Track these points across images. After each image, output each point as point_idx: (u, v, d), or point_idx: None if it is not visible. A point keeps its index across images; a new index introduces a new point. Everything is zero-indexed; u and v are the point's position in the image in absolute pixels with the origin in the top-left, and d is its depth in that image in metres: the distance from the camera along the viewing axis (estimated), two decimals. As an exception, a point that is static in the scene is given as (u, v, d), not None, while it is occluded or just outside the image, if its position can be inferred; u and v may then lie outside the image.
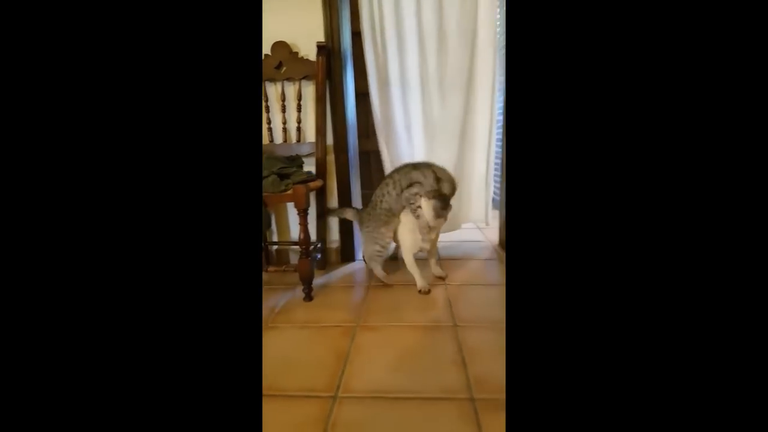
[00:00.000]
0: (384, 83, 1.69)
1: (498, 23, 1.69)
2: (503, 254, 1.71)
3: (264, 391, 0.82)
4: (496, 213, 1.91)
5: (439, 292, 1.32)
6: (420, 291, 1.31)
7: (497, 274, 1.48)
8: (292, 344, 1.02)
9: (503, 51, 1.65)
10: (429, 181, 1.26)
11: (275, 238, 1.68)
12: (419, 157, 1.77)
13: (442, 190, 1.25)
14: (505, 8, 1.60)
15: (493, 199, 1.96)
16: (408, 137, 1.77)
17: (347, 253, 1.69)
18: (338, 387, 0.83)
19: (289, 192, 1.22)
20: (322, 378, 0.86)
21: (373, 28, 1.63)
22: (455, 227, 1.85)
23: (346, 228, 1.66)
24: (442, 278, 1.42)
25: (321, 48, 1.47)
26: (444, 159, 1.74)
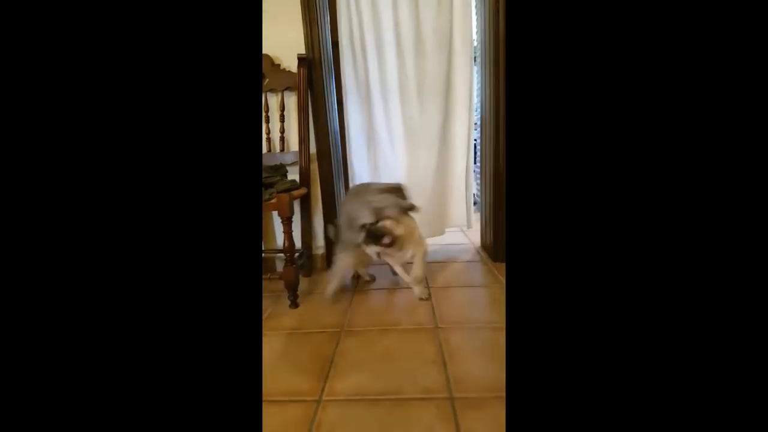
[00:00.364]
0: (365, 91, 1.73)
1: (475, 31, 1.75)
2: (485, 255, 1.76)
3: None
4: (478, 215, 1.97)
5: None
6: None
7: (479, 276, 1.53)
8: (278, 351, 1.04)
9: (479, 58, 1.71)
10: (365, 215, 1.21)
11: (261, 246, 1.70)
12: (401, 162, 1.81)
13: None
14: (480, 16, 1.66)
15: (474, 202, 2.01)
16: (390, 143, 1.81)
17: (332, 260, 1.71)
18: (323, 390, 0.86)
19: (273, 201, 1.24)
20: (307, 382, 0.89)
21: (351, 39, 1.67)
22: (440, 232, 1.90)
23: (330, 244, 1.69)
24: (423, 299, 1.32)
25: (302, 60, 1.50)
26: (425, 163, 1.80)
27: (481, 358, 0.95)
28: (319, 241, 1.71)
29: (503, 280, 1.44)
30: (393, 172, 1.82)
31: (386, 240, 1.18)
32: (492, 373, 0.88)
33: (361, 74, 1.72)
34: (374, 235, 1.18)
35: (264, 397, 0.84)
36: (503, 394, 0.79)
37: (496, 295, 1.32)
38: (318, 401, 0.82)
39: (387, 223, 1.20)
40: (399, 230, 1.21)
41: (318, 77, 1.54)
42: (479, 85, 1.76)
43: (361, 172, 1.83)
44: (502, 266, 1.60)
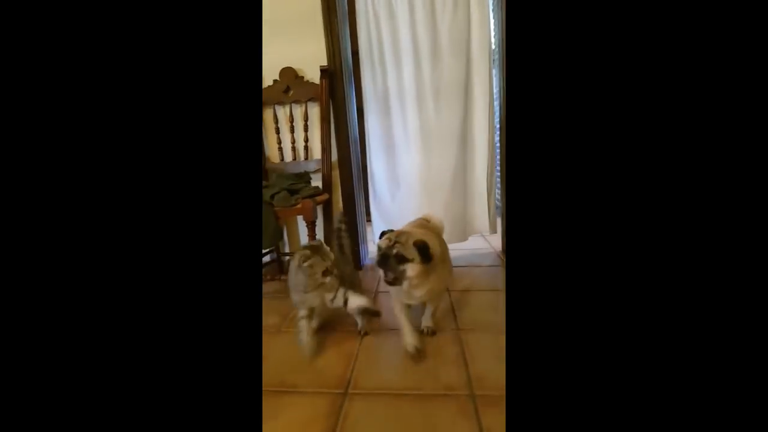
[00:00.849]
0: (383, 98, 1.78)
1: (493, 33, 1.77)
2: (505, 260, 1.76)
3: (279, 387, 0.89)
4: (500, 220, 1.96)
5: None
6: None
7: (499, 280, 1.53)
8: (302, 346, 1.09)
9: (498, 61, 1.73)
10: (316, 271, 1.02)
11: (287, 249, 1.77)
12: (419, 167, 1.83)
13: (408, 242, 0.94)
14: (497, 19, 1.69)
15: (497, 206, 2.01)
16: (407, 148, 1.84)
17: (354, 260, 1.76)
18: (348, 384, 0.90)
19: (298, 206, 1.31)
20: (333, 377, 0.93)
21: (370, 48, 1.73)
22: (462, 238, 1.89)
23: (353, 237, 1.74)
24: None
25: (324, 71, 1.58)
26: (443, 168, 1.82)
27: (499, 358, 0.96)
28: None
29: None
30: (410, 177, 1.85)
31: (388, 276, 0.95)
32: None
33: (380, 82, 1.77)
34: (383, 260, 0.95)
35: (291, 389, 0.89)
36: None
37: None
38: (344, 394, 0.86)
39: (406, 253, 0.92)
40: (412, 272, 0.93)
41: (339, 87, 1.61)
42: (498, 88, 1.78)
43: (380, 177, 1.87)
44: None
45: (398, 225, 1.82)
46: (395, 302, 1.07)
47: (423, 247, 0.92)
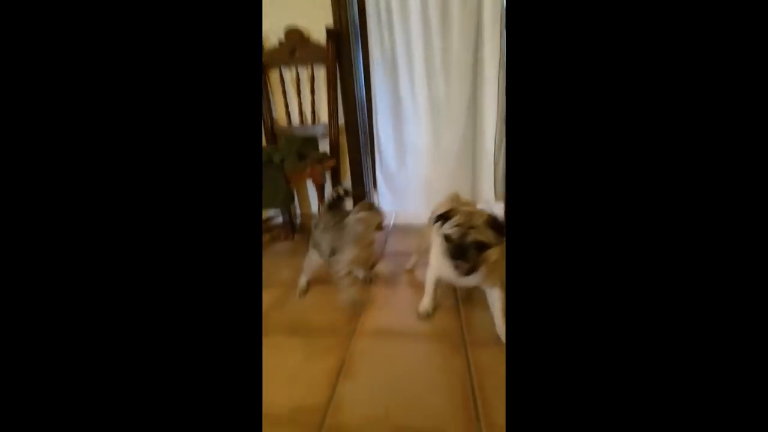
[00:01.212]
0: (391, 63, 1.78)
1: (505, 0, 1.73)
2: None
3: (294, 326, 1.03)
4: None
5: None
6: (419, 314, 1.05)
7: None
8: (315, 296, 1.22)
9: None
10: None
11: (298, 211, 1.87)
12: (427, 136, 1.86)
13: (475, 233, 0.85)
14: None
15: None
16: (416, 116, 1.86)
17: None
18: (354, 328, 1.03)
19: (307, 170, 1.38)
20: (342, 318, 1.06)
21: (378, 10, 1.71)
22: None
23: (358, 197, 1.83)
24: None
25: (330, 33, 1.57)
26: (451, 137, 1.85)
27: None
28: (348, 205, 1.86)
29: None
30: (418, 146, 1.89)
31: (462, 266, 0.84)
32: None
33: (387, 46, 1.76)
34: (457, 251, 0.84)
35: (303, 331, 1.02)
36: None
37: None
38: (353, 331, 0.99)
39: (485, 238, 0.82)
40: (495, 256, 0.84)
41: (345, 50, 1.61)
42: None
43: (387, 144, 1.91)
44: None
45: (404, 193, 1.88)
46: (433, 275, 1.01)
47: (499, 225, 0.82)
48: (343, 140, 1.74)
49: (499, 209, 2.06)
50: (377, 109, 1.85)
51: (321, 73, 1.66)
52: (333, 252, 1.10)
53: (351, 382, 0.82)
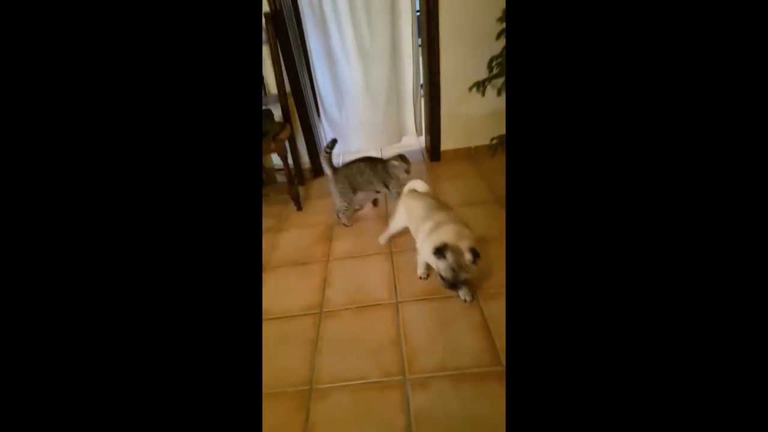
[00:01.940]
0: (320, 16, 2.02)
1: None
2: (426, 156, 2.40)
3: (289, 261, 1.63)
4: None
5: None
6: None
7: (423, 174, 2.21)
8: (297, 238, 1.81)
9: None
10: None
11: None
12: (357, 79, 2.20)
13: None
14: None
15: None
16: (347, 61, 2.18)
17: (317, 170, 2.34)
18: (328, 257, 1.65)
19: (272, 146, 1.79)
20: (318, 251, 1.68)
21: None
22: (397, 140, 2.45)
23: (313, 152, 2.26)
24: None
25: (267, 16, 1.78)
26: (378, 79, 2.21)
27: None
28: (305, 158, 2.30)
29: (434, 174, 2.14)
30: (351, 88, 2.25)
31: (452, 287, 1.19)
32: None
33: (317, 6, 1.98)
34: (450, 285, 1.18)
35: (295, 263, 1.63)
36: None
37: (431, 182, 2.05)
38: (327, 260, 1.63)
39: (471, 273, 1.16)
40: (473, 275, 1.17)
41: (283, 29, 1.83)
42: (419, 8, 2.05)
43: (326, 89, 2.27)
44: (437, 164, 2.27)
45: (346, 133, 2.33)
46: (423, 261, 1.37)
47: (477, 253, 1.12)
48: (291, 103, 2.07)
49: (420, 142, 2.58)
50: (314, 63, 2.15)
51: (266, 52, 1.89)
52: (354, 189, 1.74)
53: (331, 289, 1.47)
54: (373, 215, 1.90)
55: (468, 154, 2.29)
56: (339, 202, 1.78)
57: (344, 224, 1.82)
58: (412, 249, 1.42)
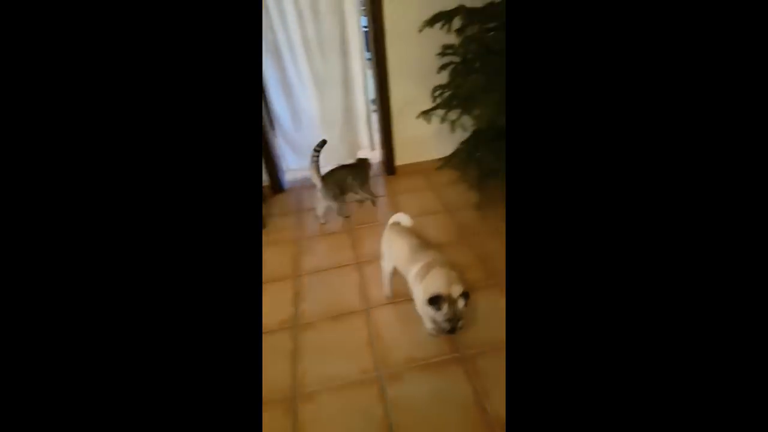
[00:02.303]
0: (274, 50, 2.14)
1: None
2: (382, 170, 2.60)
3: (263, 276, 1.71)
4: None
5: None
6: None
7: (381, 187, 2.39)
8: (265, 256, 1.87)
9: (368, 15, 2.15)
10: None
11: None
12: (314, 106, 2.35)
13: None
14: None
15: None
16: (303, 90, 2.32)
17: (275, 187, 2.41)
18: (299, 272, 1.75)
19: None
20: (288, 267, 1.77)
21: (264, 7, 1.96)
22: (352, 157, 2.60)
23: (271, 169, 2.33)
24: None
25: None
26: (333, 105, 2.37)
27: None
28: (263, 176, 2.36)
29: (390, 187, 2.33)
30: (310, 113, 2.39)
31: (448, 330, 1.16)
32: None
33: (270, 38, 2.08)
34: (453, 330, 1.16)
35: (266, 280, 1.71)
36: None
37: (389, 195, 2.23)
38: (299, 276, 1.73)
39: (466, 319, 1.17)
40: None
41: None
42: (367, 38, 2.24)
43: (284, 116, 2.37)
44: (393, 177, 2.47)
45: (303, 151, 2.45)
46: (386, 278, 1.48)
47: (468, 295, 1.15)
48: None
49: (374, 155, 2.77)
50: (271, 93, 2.24)
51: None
52: (342, 192, 1.97)
53: (305, 302, 1.58)
54: (340, 228, 2.04)
55: (419, 169, 2.52)
56: (326, 205, 1.98)
57: (344, 217, 2.07)
58: (378, 259, 1.59)
